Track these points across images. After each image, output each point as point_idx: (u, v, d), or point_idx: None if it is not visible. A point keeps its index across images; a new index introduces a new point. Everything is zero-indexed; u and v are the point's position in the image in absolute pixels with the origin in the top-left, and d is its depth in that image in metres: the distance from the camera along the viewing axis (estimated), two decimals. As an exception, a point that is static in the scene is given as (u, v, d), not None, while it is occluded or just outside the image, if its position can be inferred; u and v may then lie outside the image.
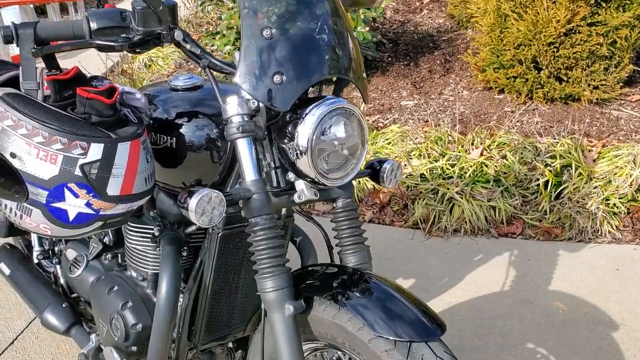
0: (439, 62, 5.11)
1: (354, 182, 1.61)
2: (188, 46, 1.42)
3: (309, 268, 1.54)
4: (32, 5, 7.22)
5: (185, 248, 1.73)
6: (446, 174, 3.21)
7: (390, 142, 3.57)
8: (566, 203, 3.01)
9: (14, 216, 1.39)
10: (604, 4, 3.79)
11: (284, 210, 1.58)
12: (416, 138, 3.54)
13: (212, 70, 1.45)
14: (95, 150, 1.32)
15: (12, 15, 6.92)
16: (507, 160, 3.17)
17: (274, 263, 1.38)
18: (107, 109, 1.36)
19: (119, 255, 1.91)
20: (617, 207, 2.96)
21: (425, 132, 3.64)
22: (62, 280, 2.12)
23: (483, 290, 2.64)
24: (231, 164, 1.55)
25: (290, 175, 1.46)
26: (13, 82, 1.43)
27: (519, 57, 3.98)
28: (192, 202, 1.29)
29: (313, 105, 1.39)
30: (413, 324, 1.28)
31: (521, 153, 3.22)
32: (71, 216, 1.36)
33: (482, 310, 2.51)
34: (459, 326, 2.41)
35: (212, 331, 1.73)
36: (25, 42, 1.33)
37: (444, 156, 3.32)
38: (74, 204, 1.34)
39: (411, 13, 6.62)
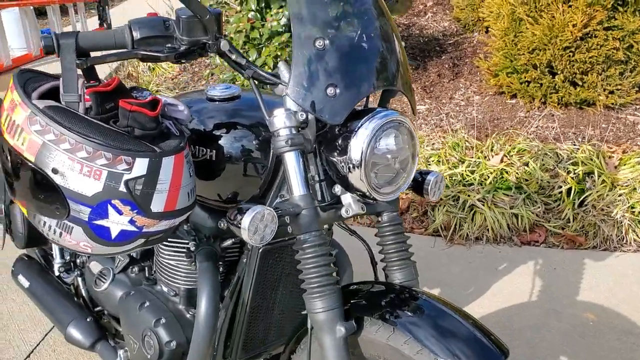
0: (447, 66, 5.06)
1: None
2: (234, 56, 1.37)
3: (355, 286, 1.49)
4: (32, 7, 7.13)
5: (221, 263, 1.68)
6: (466, 181, 3.16)
7: (406, 148, 3.51)
8: (590, 211, 2.96)
9: (53, 234, 1.32)
10: (620, 8, 3.75)
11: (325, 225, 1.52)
12: (434, 144, 3.49)
13: (256, 81, 1.39)
14: (140, 165, 1.25)
15: (12, 17, 6.83)
16: (528, 167, 3.13)
17: (324, 282, 1.32)
18: (151, 121, 1.30)
19: (146, 268, 1.85)
20: (642, 215, 2.92)
21: (443, 137, 3.59)
22: (84, 293, 2.06)
23: (510, 301, 2.59)
24: (272, 177, 1.49)
25: (337, 189, 1.41)
26: (49, 94, 1.36)
27: (534, 61, 3.94)
28: (245, 220, 1.23)
29: (365, 118, 1.33)
30: (475, 348, 1.23)
31: (542, 159, 3.18)
32: (113, 234, 1.29)
33: (510, 321, 2.46)
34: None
35: (249, 349, 1.68)
36: (67, 52, 1.26)
37: (463, 162, 3.27)
38: (117, 222, 1.27)
39: (415, 16, 6.58)
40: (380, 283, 1.49)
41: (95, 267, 1.96)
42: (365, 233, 1.66)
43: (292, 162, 1.32)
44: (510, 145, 3.30)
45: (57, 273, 2.10)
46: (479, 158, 3.25)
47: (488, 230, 2.98)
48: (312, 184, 1.38)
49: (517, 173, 3.11)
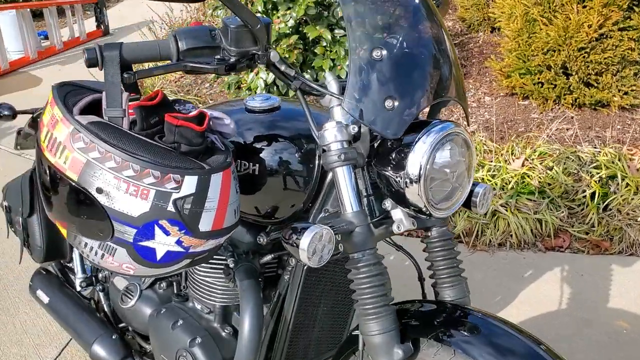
0: (455, 66, 5.00)
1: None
2: (283, 67, 1.30)
3: (405, 305, 1.43)
4: (28, 9, 7.03)
5: (261, 279, 1.61)
6: (487, 186, 3.10)
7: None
8: (615, 215, 2.91)
9: (94, 255, 1.25)
10: (636, 9, 3.71)
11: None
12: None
13: (303, 93, 1.33)
14: (189, 184, 1.18)
15: (8, 20, 6.72)
16: (551, 171, 3.07)
17: (380, 303, 1.26)
18: (197, 137, 1.23)
19: (175, 283, 1.78)
20: (668, 219, 2.87)
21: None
22: (106, 309, 1.98)
23: (539, 309, 2.53)
24: (316, 191, 1.43)
25: (388, 204, 1.35)
26: (89, 108, 1.29)
27: (548, 62, 3.89)
28: (304, 241, 1.17)
29: (423, 131, 1.27)
30: None
31: (564, 163, 3.12)
32: (159, 255, 1.22)
33: (542, 332, 2.40)
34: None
35: None
36: (111, 65, 1.19)
37: (482, 167, 3.21)
38: (163, 242, 1.20)
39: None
40: (430, 301, 1.43)
41: (120, 282, 1.89)
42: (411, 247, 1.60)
43: (344, 177, 1.26)
44: (531, 149, 3.24)
45: (78, 288, 2.02)
46: (499, 162, 3.20)
47: (511, 236, 2.92)
48: (361, 198, 1.33)
49: (539, 177, 3.05)
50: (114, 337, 1.90)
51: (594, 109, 3.96)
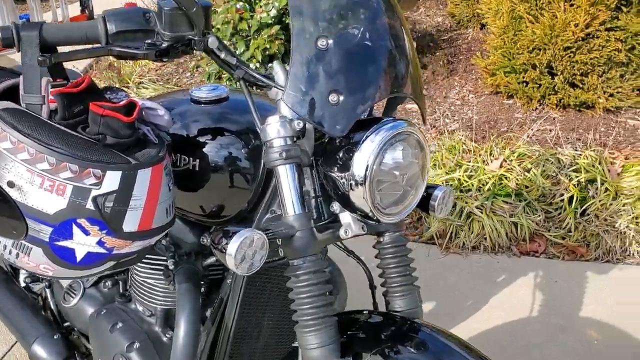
0: (441, 63, 4.91)
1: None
2: (223, 55, 1.20)
3: (351, 315, 1.34)
4: (11, -7, 6.83)
5: (203, 282, 1.52)
6: (464, 186, 3.02)
7: (400, 149, 3.35)
8: (592, 220, 2.83)
9: (8, 254, 1.15)
10: (624, 9, 3.62)
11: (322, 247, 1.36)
12: (429, 146, 3.33)
13: (247, 83, 1.23)
14: (112, 180, 1.09)
15: (-11, 3, 6.55)
16: (529, 173, 2.99)
17: (320, 314, 1.17)
18: (125, 128, 1.13)
19: (120, 282, 1.68)
20: (647, 226, 2.79)
21: (439, 139, 3.44)
22: (52, 307, 1.88)
23: (511, 315, 2.45)
24: (262, 190, 1.33)
25: (335, 207, 1.26)
26: (10, 93, 1.18)
27: (533, 61, 3.80)
28: (232, 247, 1.07)
29: (371, 129, 1.18)
30: None
31: (543, 165, 3.04)
32: (79, 256, 1.13)
33: (515, 338, 2.32)
34: (495, 357, 2.21)
35: None
36: (29, 46, 1.09)
37: (460, 167, 3.12)
38: (83, 243, 1.11)
39: (408, 10, 6.42)
40: (379, 313, 1.35)
41: (64, 280, 1.79)
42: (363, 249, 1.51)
43: (286, 176, 1.16)
44: (510, 150, 3.15)
45: (23, 284, 1.92)
46: (477, 162, 3.11)
47: (486, 239, 2.84)
48: (307, 200, 1.24)
49: (517, 179, 2.97)
50: (56, 337, 1.80)
51: (578, 110, 3.88)
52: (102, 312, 1.61)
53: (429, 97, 4.43)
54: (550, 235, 2.85)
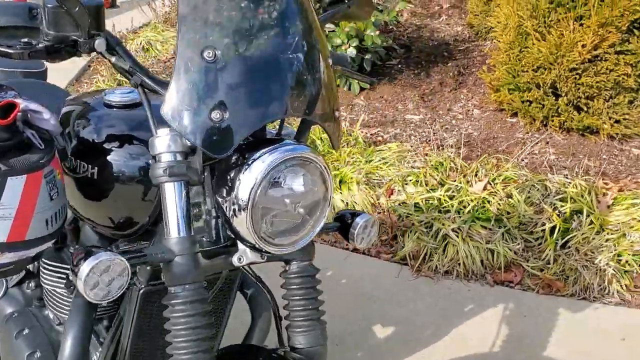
0: (451, 74, 4.78)
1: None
2: (113, 59, 1.12)
3: (236, 350, 1.26)
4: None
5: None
6: (443, 207, 2.90)
7: (386, 163, 3.26)
8: (573, 254, 2.69)
9: None
10: (636, 32, 3.45)
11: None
12: (415, 161, 3.23)
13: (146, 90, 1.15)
14: None
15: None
16: (512, 199, 2.86)
17: (194, 349, 1.08)
18: (1, 131, 1.06)
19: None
20: (629, 265, 2.64)
21: (426, 154, 3.32)
22: None
23: (473, 348, 2.33)
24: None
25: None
26: None
27: (537, 80, 3.65)
28: (83, 270, 1.00)
29: (266, 149, 1.09)
30: None
31: (528, 192, 2.90)
32: None
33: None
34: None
35: None
36: None
37: (443, 185, 3.01)
38: None
39: (429, 17, 6.28)
40: (275, 351, 1.26)
41: None
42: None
43: (171, 195, 1.08)
44: (496, 172, 3.02)
45: None
46: (460, 183, 2.99)
47: (460, 264, 2.72)
48: (207, 219, 1.16)
49: (499, 204, 2.84)
50: None
51: (581, 134, 3.72)
52: (14, 316, 1.55)
53: (431, 108, 4.31)
54: (528, 266, 2.72)
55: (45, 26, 1.06)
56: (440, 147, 3.55)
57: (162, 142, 1.07)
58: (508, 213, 2.84)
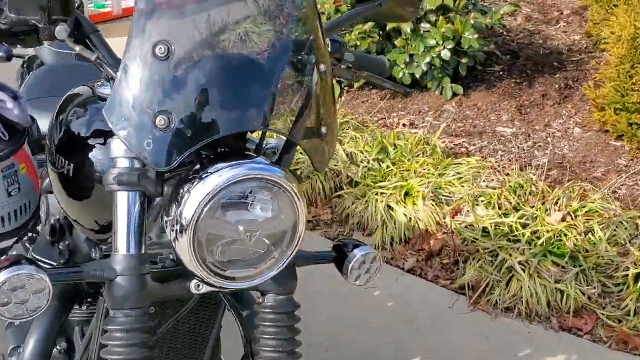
0: (557, 86, 4.37)
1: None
2: (77, 48, 1.01)
3: None
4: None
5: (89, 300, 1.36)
6: (513, 235, 2.60)
7: (460, 178, 2.98)
8: (658, 307, 2.32)
9: None
10: None
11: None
12: (492, 180, 2.93)
13: None
14: None
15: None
16: (593, 235, 2.51)
17: None
18: None
19: None
20: None
21: (507, 174, 3.02)
22: None
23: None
24: None
25: None
26: None
27: (648, 102, 3.22)
28: None
29: (228, 163, 0.94)
30: None
31: (614, 229, 2.54)
32: None
33: None
34: None
35: None
36: None
37: (517, 211, 2.70)
38: None
39: (545, 23, 5.82)
40: None
41: None
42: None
43: (122, 206, 0.96)
44: (579, 202, 2.68)
45: None
46: (537, 210, 2.67)
47: (522, 302, 2.42)
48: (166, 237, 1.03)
49: (577, 239, 2.51)
50: None
51: (696, 168, 3.26)
52: None
53: (526, 121, 3.95)
54: (603, 314, 2.37)
55: (7, 9, 0.96)
56: (526, 167, 3.21)
57: (119, 146, 0.94)
58: (586, 251, 2.49)
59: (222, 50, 0.92)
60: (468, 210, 2.75)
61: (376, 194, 2.95)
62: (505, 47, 4.83)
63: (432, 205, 2.84)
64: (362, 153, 3.21)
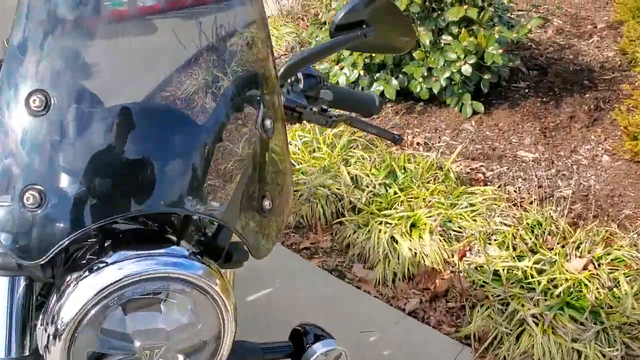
0: (586, 108, 4.07)
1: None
2: None
3: None
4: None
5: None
6: (528, 282, 2.33)
7: (474, 211, 2.72)
8: (690, 378, 2.04)
9: None
10: None
11: None
12: (507, 215, 2.66)
13: None
14: None
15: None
16: (618, 288, 2.23)
17: None
18: None
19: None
20: None
21: (525, 209, 2.74)
22: None
23: None
24: None
25: None
26: None
27: (686, 134, 2.93)
28: None
29: (135, 252, 0.71)
30: None
31: (643, 283, 2.26)
32: None
33: None
34: None
35: None
36: None
37: (534, 254, 2.43)
38: None
39: (577, 37, 5.50)
40: None
41: None
42: None
43: (1, 295, 0.73)
44: (604, 249, 2.40)
45: None
46: (557, 254, 2.40)
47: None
48: None
49: (599, 292, 2.23)
50: None
51: None
52: None
53: (551, 146, 3.66)
54: (626, 381, 2.10)
55: None
56: (547, 199, 2.94)
57: None
58: (609, 307, 2.22)
59: (118, 101, 0.68)
60: (479, 250, 2.49)
61: (380, 223, 2.70)
62: (533, 61, 4.54)
63: (440, 240, 2.58)
64: (368, 176, 2.96)
